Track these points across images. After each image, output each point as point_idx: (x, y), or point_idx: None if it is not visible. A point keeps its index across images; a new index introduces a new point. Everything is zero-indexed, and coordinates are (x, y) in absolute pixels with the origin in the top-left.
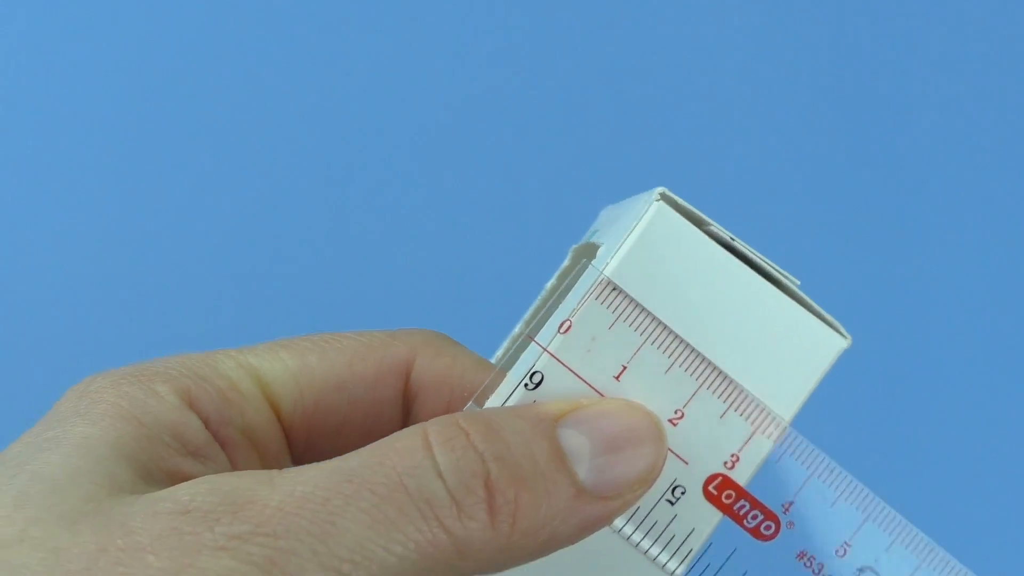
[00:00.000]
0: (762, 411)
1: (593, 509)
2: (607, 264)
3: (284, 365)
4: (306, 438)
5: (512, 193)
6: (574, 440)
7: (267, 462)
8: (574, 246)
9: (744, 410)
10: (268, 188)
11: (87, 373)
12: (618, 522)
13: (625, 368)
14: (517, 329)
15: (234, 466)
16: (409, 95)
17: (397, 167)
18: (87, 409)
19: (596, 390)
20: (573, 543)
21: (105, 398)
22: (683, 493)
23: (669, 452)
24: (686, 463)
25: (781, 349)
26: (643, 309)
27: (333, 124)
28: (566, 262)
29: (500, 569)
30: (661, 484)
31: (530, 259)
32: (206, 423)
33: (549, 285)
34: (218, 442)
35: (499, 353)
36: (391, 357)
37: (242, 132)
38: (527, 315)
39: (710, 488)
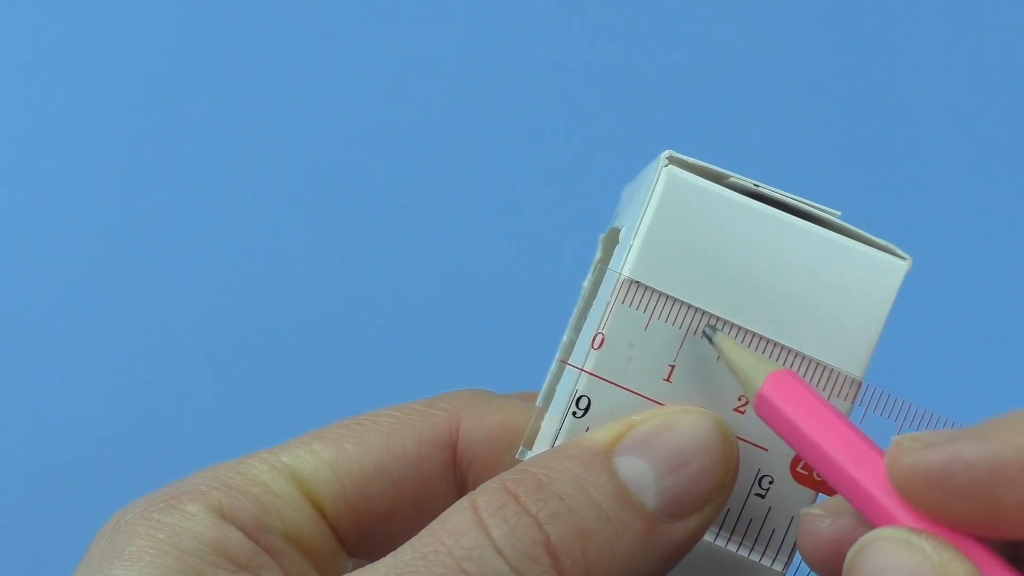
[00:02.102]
0: (830, 372)
1: (674, 534)
2: (624, 262)
3: (319, 458)
4: (356, 529)
5: (532, 200)
6: (634, 467)
7: (319, 563)
8: (602, 235)
9: (811, 375)
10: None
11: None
12: (711, 529)
13: (673, 367)
14: (559, 353)
15: (285, 574)
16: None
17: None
18: (121, 548)
19: (649, 399)
20: (668, 571)
21: (138, 531)
22: (771, 482)
23: (745, 443)
24: (766, 450)
25: (839, 289)
26: (675, 300)
27: (346, 147)
28: (598, 254)
29: None
30: (745, 479)
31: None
32: (246, 533)
33: (586, 283)
34: (262, 549)
35: (545, 386)
36: (430, 428)
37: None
38: (571, 320)
39: (798, 469)
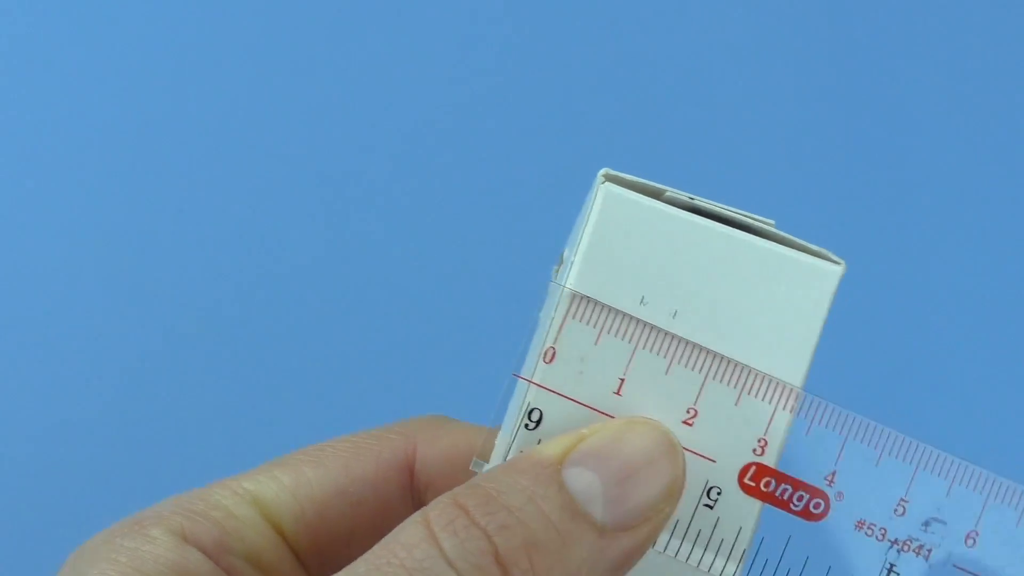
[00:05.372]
0: (775, 385)
1: (622, 544)
2: (568, 276)
3: (280, 483)
4: (316, 551)
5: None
6: (582, 479)
7: None
8: (555, 266)
9: (757, 389)
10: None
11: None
12: (661, 539)
13: (623, 380)
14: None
15: None
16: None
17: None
18: (84, 572)
19: (600, 411)
20: None
21: (101, 556)
22: (719, 493)
23: (693, 454)
24: (714, 461)
25: (776, 297)
26: (625, 314)
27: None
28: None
29: None
30: (694, 490)
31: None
32: (207, 555)
33: (542, 313)
34: (223, 571)
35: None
36: (388, 451)
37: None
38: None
39: (746, 480)
